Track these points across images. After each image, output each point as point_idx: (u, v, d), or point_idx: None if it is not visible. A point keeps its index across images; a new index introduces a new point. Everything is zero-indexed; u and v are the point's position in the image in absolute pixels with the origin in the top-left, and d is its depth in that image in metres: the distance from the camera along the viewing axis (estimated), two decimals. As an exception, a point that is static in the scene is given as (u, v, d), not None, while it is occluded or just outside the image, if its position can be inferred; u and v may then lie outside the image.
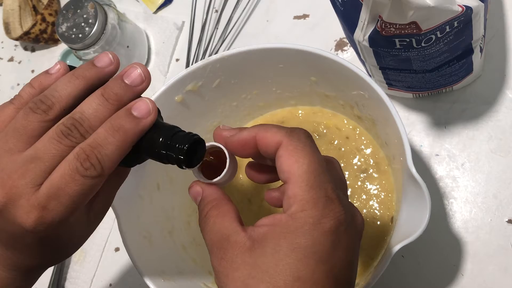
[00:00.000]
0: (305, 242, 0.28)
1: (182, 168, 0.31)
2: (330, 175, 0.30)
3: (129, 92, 0.31)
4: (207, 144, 0.33)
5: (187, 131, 0.32)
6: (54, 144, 0.29)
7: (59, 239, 0.33)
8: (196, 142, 0.31)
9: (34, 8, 0.74)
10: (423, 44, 0.40)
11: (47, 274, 0.62)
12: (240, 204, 0.53)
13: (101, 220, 0.36)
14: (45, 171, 0.29)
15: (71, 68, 0.33)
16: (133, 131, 0.30)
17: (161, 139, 0.31)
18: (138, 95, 0.32)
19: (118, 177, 0.35)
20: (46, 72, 0.33)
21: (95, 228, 0.36)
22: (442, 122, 0.52)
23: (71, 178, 0.28)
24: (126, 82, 0.31)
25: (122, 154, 0.30)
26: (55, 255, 0.34)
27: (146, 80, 0.32)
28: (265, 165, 0.35)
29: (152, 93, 0.45)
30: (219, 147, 0.33)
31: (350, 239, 0.30)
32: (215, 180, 0.33)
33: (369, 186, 0.49)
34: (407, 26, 0.37)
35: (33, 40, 0.72)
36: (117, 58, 0.33)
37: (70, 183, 0.29)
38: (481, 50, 0.46)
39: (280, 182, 0.31)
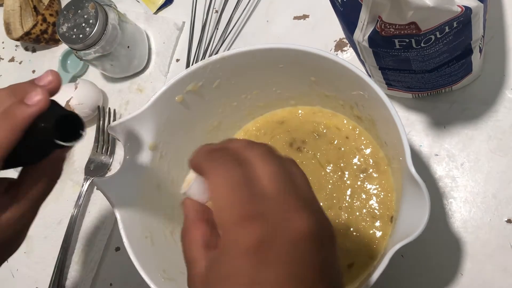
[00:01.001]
0: (227, 269, 0.27)
1: (59, 144, 0.33)
2: (259, 187, 0.28)
3: (33, 87, 0.34)
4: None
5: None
6: None
7: None
8: (69, 117, 0.34)
9: (35, 8, 0.74)
10: (422, 45, 0.40)
11: (48, 274, 0.62)
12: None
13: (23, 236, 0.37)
14: None
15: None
16: (23, 116, 0.32)
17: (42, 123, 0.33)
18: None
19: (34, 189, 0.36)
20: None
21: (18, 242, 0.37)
22: (441, 122, 0.52)
23: None
24: (36, 83, 0.35)
25: (12, 139, 0.32)
26: None
27: (54, 81, 0.35)
28: None
29: (153, 93, 0.46)
30: None
31: (287, 252, 0.27)
32: (183, 191, 0.33)
33: (369, 186, 0.50)
34: (407, 27, 0.37)
35: (34, 40, 0.73)
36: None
37: None
38: (480, 51, 0.46)
39: None
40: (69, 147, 0.35)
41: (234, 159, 0.29)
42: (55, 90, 0.35)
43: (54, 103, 0.34)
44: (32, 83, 0.35)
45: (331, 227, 0.30)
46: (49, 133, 0.33)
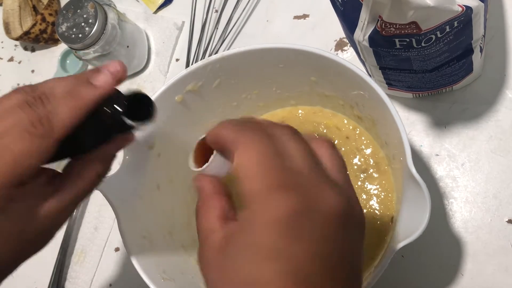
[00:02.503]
0: (252, 240, 0.25)
1: (129, 125, 0.32)
2: (290, 162, 0.27)
3: (100, 70, 0.34)
4: (203, 136, 0.33)
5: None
6: (15, 110, 0.30)
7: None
8: (140, 97, 0.33)
9: (34, 8, 0.74)
10: (423, 44, 0.40)
11: (47, 274, 0.62)
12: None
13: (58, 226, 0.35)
14: None
15: None
16: (88, 97, 0.31)
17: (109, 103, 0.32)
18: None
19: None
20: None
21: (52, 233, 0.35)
22: (442, 122, 0.52)
23: (19, 135, 0.29)
24: (103, 69, 0.34)
25: (74, 118, 0.31)
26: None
27: (121, 70, 0.34)
28: None
29: (152, 93, 0.45)
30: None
31: (318, 229, 0.26)
32: (200, 168, 0.32)
33: (369, 186, 0.49)
34: (407, 26, 0.37)
35: (33, 40, 0.72)
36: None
37: (17, 141, 0.29)
38: (481, 50, 0.46)
39: None
40: (133, 132, 0.33)
41: (264, 132, 0.29)
42: (121, 79, 0.34)
43: (118, 92, 0.33)
44: (99, 69, 0.34)
45: (363, 213, 0.29)
46: (118, 114, 0.31)
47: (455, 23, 0.38)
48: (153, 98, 0.45)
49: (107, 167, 0.36)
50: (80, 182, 0.34)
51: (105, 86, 0.32)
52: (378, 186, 0.49)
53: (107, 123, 0.33)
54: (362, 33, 0.41)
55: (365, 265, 0.47)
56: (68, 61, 0.73)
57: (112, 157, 0.37)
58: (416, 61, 0.43)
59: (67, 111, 0.31)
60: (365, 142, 0.51)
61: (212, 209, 0.30)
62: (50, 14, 0.72)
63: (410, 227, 0.36)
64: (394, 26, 0.38)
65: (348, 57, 0.57)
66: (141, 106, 0.33)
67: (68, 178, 0.34)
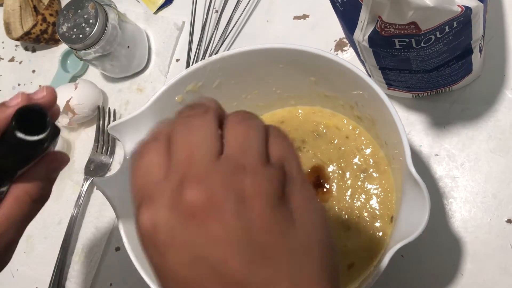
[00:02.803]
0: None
1: (27, 142, 0.31)
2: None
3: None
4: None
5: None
6: None
7: None
8: (32, 110, 0.31)
9: (35, 8, 0.74)
10: (422, 44, 0.40)
11: (48, 274, 0.62)
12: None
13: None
14: None
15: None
16: None
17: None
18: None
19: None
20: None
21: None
22: (441, 122, 0.52)
23: None
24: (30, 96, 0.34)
25: None
26: None
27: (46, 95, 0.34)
28: None
29: (153, 93, 0.46)
30: None
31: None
32: None
33: (369, 186, 0.50)
34: (407, 27, 0.37)
35: (34, 40, 0.73)
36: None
37: None
38: (480, 50, 0.46)
39: None
40: (39, 149, 0.32)
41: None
42: (49, 103, 0.34)
43: (40, 112, 0.32)
44: (18, 94, 0.34)
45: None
46: (12, 130, 0.30)
47: (455, 23, 0.38)
48: (153, 98, 0.46)
49: (44, 192, 0.35)
50: (16, 208, 0.34)
51: (16, 106, 0.32)
52: (378, 186, 0.49)
53: (11, 143, 0.31)
54: (361, 33, 0.41)
55: (365, 265, 0.47)
56: (68, 61, 0.73)
57: (48, 181, 0.36)
58: (415, 61, 0.43)
59: None
60: (365, 142, 0.51)
61: (152, 159, 0.26)
62: (51, 15, 0.72)
63: (409, 226, 0.36)
64: (394, 26, 0.38)
65: (348, 57, 0.58)
66: (39, 120, 0.32)
67: (2, 205, 0.34)
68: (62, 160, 0.36)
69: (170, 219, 0.24)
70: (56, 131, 0.34)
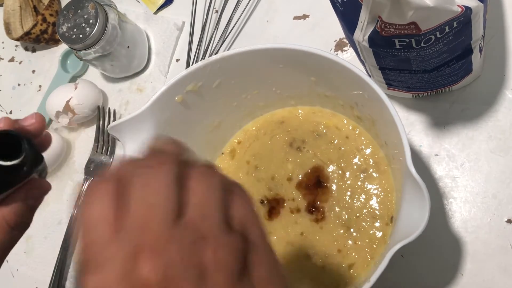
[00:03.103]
0: None
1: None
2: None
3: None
4: None
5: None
6: None
7: None
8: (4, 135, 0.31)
9: (35, 8, 0.74)
10: (422, 45, 0.40)
11: (48, 274, 0.62)
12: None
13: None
14: None
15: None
16: None
17: None
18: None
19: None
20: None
21: None
22: (441, 122, 0.52)
23: None
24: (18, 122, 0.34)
25: None
26: None
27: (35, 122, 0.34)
28: None
29: (153, 93, 0.46)
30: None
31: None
32: None
33: (369, 186, 0.50)
34: (407, 27, 0.37)
35: (34, 40, 0.73)
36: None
37: None
38: (480, 50, 0.46)
39: None
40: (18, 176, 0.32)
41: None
42: (38, 131, 0.34)
43: (16, 138, 0.31)
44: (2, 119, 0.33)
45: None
46: None
47: (455, 23, 0.38)
48: (153, 98, 0.46)
49: (24, 220, 0.35)
50: None
51: None
52: (378, 186, 0.49)
53: None
54: (361, 33, 0.41)
55: (365, 265, 0.47)
56: (68, 62, 0.73)
57: (25, 207, 0.35)
58: (415, 62, 0.43)
59: None
60: (364, 142, 0.51)
61: (101, 211, 0.24)
62: (51, 15, 0.72)
63: (409, 226, 0.36)
64: (394, 26, 0.38)
65: (348, 57, 0.58)
66: (16, 146, 0.32)
67: None
68: (43, 188, 0.36)
69: None
70: (38, 158, 0.33)
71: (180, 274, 0.22)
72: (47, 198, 0.37)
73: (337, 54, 0.58)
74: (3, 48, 0.79)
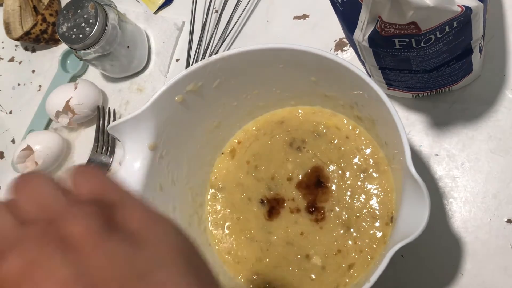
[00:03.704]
0: None
1: None
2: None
3: None
4: None
5: None
6: None
7: None
8: None
9: (35, 8, 0.74)
10: (422, 44, 0.40)
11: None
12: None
13: None
14: None
15: None
16: None
17: None
18: None
19: None
20: None
21: None
22: (441, 122, 0.52)
23: None
24: None
25: None
26: None
27: None
28: None
29: (153, 93, 0.46)
30: None
31: None
32: None
33: (369, 186, 0.50)
34: (407, 27, 0.37)
35: (34, 40, 0.73)
36: None
37: None
38: (480, 50, 0.46)
39: None
40: None
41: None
42: None
43: None
44: None
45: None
46: None
47: (455, 23, 0.38)
48: (153, 98, 0.46)
49: None
50: None
51: None
52: (378, 186, 0.49)
53: None
54: (361, 33, 0.41)
55: (365, 265, 0.47)
56: (68, 61, 0.73)
57: None
58: (415, 61, 0.43)
59: None
60: (364, 142, 0.51)
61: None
62: (51, 15, 0.72)
63: (409, 226, 0.36)
64: (394, 26, 0.38)
65: (348, 57, 0.58)
66: None
67: None
68: None
69: None
70: None
71: (45, 256, 0.22)
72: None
73: (337, 54, 0.58)
74: (3, 48, 0.79)
